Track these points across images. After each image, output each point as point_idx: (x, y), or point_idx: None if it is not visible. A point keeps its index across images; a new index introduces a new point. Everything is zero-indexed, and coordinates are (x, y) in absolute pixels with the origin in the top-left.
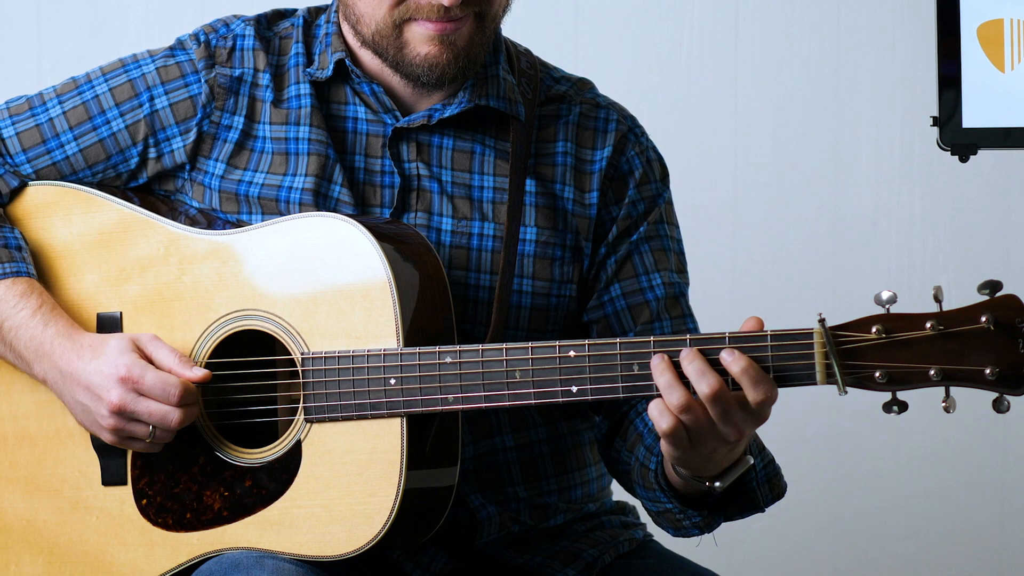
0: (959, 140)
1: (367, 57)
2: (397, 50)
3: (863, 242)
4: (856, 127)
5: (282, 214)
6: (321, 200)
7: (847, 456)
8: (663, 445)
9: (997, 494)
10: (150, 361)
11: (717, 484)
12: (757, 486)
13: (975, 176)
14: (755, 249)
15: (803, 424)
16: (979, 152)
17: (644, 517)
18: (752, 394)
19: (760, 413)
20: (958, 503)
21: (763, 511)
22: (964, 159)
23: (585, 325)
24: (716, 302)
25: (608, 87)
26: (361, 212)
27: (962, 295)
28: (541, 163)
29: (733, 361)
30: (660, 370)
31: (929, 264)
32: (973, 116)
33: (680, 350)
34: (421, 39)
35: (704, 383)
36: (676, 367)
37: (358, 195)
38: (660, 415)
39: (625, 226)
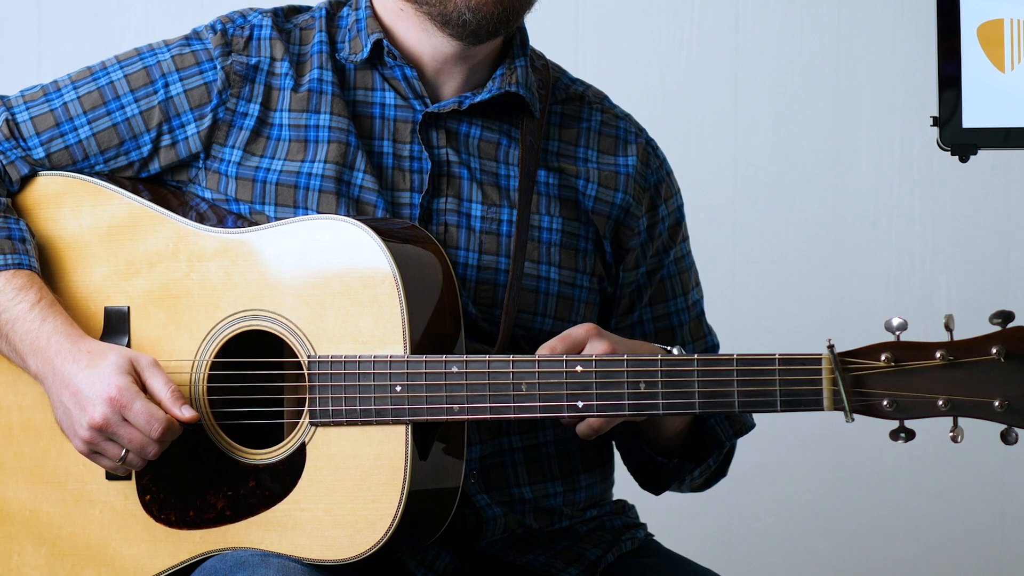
0: (959, 140)
1: (403, 33)
2: None
3: (863, 242)
4: (856, 127)
5: (300, 201)
6: (343, 187)
7: (847, 456)
8: None
9: (997, 494)
10: (144, 387)
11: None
12: (716, 423)
13: (975, 176)
14: (755, 249)
15: (803, 424)
16: (979, 152)
17: (644, 517)
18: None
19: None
20: (958, 503)
21: (726, 446)
22: (964, 159)
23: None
24: (716, 302)
25: (608, 87)
26: (388, 197)
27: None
28: (564, 161)
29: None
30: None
31: (929, 264)
32: (973, 116)
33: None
34: None
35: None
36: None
37: (385, 180)
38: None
39: (656, 246)
